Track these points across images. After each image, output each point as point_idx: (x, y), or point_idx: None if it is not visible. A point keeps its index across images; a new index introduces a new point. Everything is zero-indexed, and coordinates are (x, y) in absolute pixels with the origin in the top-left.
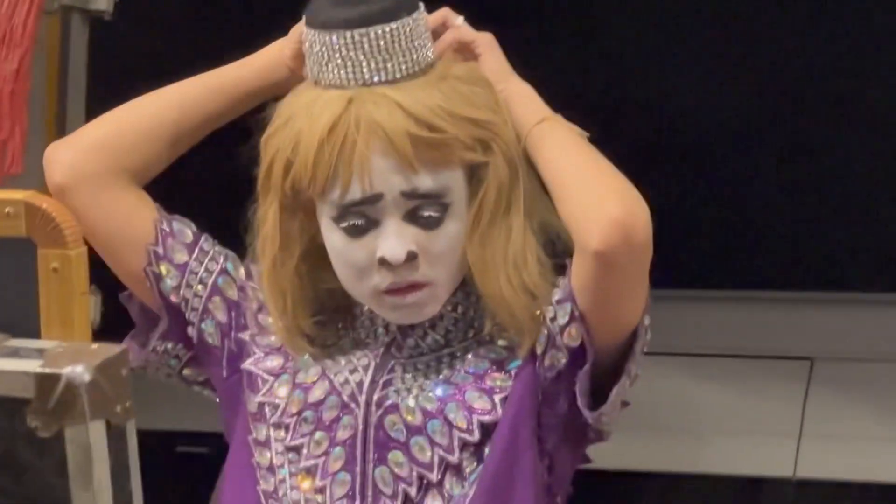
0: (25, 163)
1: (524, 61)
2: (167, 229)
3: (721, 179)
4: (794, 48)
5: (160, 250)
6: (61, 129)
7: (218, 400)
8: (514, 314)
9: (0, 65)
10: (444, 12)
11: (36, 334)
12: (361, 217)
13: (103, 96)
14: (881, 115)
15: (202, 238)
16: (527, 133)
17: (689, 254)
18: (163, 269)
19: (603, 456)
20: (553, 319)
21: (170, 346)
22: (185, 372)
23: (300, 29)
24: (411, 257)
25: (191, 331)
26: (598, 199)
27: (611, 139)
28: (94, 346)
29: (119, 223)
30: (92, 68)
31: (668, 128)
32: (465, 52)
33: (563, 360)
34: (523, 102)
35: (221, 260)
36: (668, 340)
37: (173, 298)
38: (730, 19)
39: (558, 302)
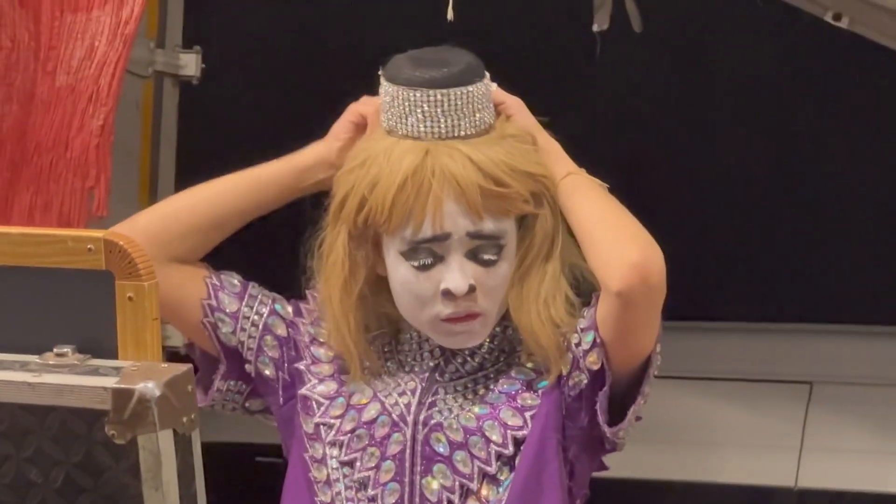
0: (119, 207)
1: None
2: (217, 283)
3: (736, 228)
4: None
5: (214, 303)
6: (154, 178)
7: (276, 424)
8: (541, 344)
9: (88, 121)
10: None
11: (113, 355)
12: (429, 253)
13: (191, 150)
14: (879, 156)
15: (249, 285)
16: (556, 185)
17: (707, 290)
18: (218, 318)
19: (626, 466)
20: (577, 345)
21: (232, 383)
22: (248, 404)
23: (343, 129)
24: (471, 290)
25: (248, 368)
26: (619, 246)
27: (630, 186)
28: (164, 365)
29: (174, 290)
30: (181, 126)
31: (687, 175)
32: (498, 111)
33: (585, 381)
34: (552, 157)
35: (270, 302)
36: (686, 365)
37: (230, 343)
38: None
39: (583, 330)
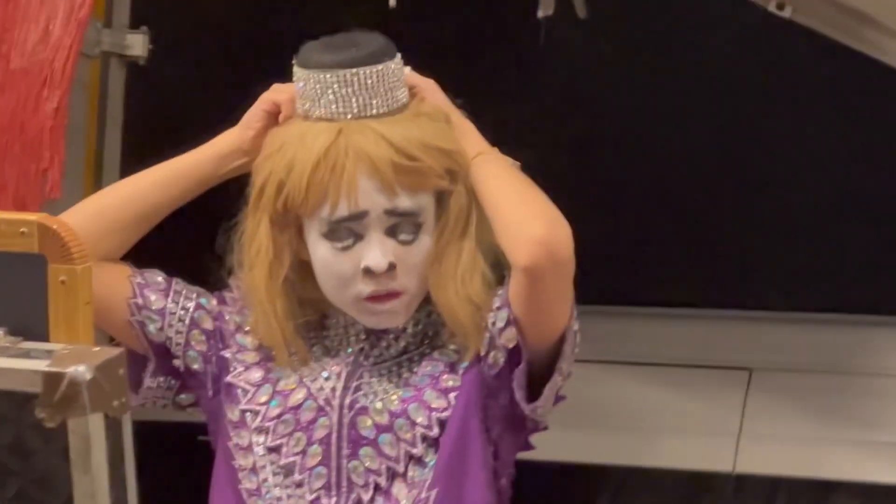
0: (64, 186)
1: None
2: (142, 282)
3: (679, 216)
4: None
5: (140, 301)
6: (100, 158)
7: (205, 417)
8: (460, 321)
9: (42, 104)
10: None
11: (45, 338)
12: (348, 232)
13: (137, 130)
14: (821, 147)
15: (173, 281)
16: (468, 164)
17: (649, 276)
18: (145, 316)
19: (567, 450)
20: (493, 324)
21: (161, 380)
22: (178, 398)
23: (255, 117)
24: (391, 267)
25: (177, 362)
26: (525, 221)
27: (575, 171)
28: (96, 349)
29: (100, 290)
30: (127, 106)
31: (631, 160)
32: (413, 93)
33: (502, 359)
34: (465, 136)
35: (194, 297)
36: (627, 350)
37: (158, 339)
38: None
39: (497, 308)
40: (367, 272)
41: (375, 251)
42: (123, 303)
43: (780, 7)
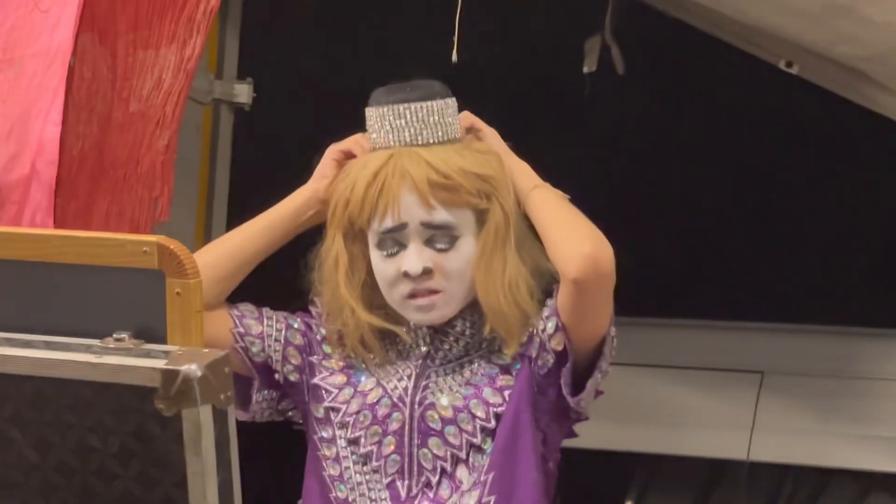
0: (181, 213)
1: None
2: (239, 313)
3: (703, 244)
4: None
5: (241, 330)
6: (211, 189)
7: (300, 419)
8: (507, 321)
9: (155, 142)
10: (465, 114)
11: (163, 341)
12: (393, 242)
13: (243, 166)
14: (829, 180)
15: (263, 310)
16: (524, 197)
17: (676, 292)
18: (248, 342)
19: (606, 440)
20: (543, 330)
21: (265, 392)
22: (280, 405)
23: (327, 167)
24: (427, 272)
25: (277, 376)
26: (575, 240)
27: (614, 204)
28: (205, 350)
29: (207, 329)
30: (235, 147)
31: (663, 195)
32: (475, 135)
33: (551, 361)
34: (521, 174)
35: (283, 319)
36: (657, 355)
37: (260, 359)
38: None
39: (547, 317)
40: (406, 275)
41: (413, 257)
42: (228, 333)
43: (789, 65)
